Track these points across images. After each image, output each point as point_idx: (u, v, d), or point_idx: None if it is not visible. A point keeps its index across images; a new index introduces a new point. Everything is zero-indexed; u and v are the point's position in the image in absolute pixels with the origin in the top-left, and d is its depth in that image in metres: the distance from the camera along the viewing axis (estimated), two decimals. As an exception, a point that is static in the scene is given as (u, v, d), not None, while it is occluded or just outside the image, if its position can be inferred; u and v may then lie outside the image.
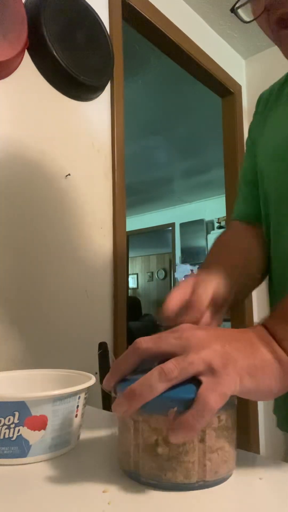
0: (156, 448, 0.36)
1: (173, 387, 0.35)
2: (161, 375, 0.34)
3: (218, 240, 0.71)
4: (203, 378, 0.34)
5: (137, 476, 0.37)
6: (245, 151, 0.78)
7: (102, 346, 1.23)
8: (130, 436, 0.37)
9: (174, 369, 0.34)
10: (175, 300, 0.49)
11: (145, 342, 0.37)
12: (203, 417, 0.33)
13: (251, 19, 0.60)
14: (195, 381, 0.35)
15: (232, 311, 2.12)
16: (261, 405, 2.08)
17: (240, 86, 2.20)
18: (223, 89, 2.12)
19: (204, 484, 0.36)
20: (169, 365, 0.34)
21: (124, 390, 0.35)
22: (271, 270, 0.67)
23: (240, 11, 0.61)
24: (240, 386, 0.35)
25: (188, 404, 0.34)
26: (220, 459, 0.37)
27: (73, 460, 0.44)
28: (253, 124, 0.76)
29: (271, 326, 0.39)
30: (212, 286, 0.52)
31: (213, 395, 0.33)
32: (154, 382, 0.34)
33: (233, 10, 0.61)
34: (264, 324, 0.40)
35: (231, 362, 0.35)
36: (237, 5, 0.61)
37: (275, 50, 0.64)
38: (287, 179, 0.60)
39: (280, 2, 0.55)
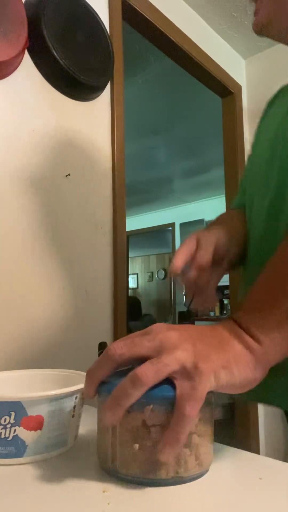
0: (133, 444, 0.36)
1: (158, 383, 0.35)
2: (135, 381, 0.34)
3: (221, 214, 0.78)
4: (177, 382, 0.35)
5: (115, 472, 0.38)
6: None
7: (102, 346, 1.23)
8: (108, 433, 0.38)
9: (147, 372, 0.34)
10: (181, 257, 0.56)
11: (118, 348, 0.37)
12: (184, 428, 0.34)
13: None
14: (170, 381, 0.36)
15: (232, 310, 2.12)
16: (261, 405, 2.08)
17: (240, 86, 2.20)
18: (223, 89, 2.12)
19: (179, 480, 0.37)
20: (143, 369, 0.35)
21: (105, 398, 0.36)
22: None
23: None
24: (216, 381, 0.35)
25: (163, 401, 0.35)
26: (195, 455, 0.37)
27: (71, 460, 0.44)
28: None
29: (238, 318, 0.40)
30: (214, 240, 0.59)
31: (189, 403, 0.34)
32: (130, 389, 0.35)
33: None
34: (232, 317, 0.41)
35: (203, 360, 0.35)
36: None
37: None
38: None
39: None
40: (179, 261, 0.56)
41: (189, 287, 0.60)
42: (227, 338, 0.39)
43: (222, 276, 0.63)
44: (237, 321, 0.40)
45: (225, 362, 0.36)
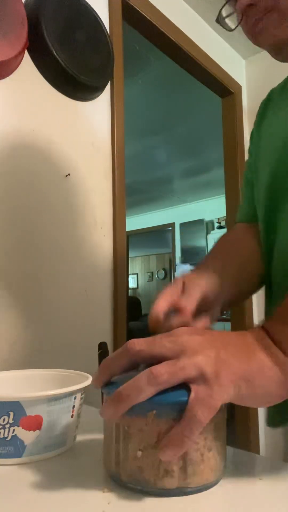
0: (137, 451, 0.35)
1: (163, 391, 0.34)
2: (150, 378, 0.33)
3: (219, 240, 0.71)
4: (193, 386, 0.34)
5: (118, 477, 0.37)
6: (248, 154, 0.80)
7: (102, 346, 1.23)
8: (112, 437, 0.37)
9: (164, 373, 0.33)
10: (163, 302, 0.49)
11: (138, 344, 0.36)
12: (192, 433, 0.33)
13: (235, 26, 0.63)
14: (186, 387, 0.34)
15: (233, 311, 2.12)
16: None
17: (240, 86, 2.20)
18: (223, 89, 2.12)
19: (185, 491, 0.35)
20: (159, 368, 0.33)
21: (111, 393, 0.35)
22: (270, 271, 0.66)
23: (227, 19, 0.65)
24: (235, 394, 0.34)
25: (169, 408, 0.34)
26: (203, 466, 0.35)
27: (71, 460, 0.44)
28: (254, 129, 0.77)
29: (270, 327, 0.38)
30: (201, 286, 0.52)
31: (202, 409, 0.33)
32: (143, 385, 0.33)
33: (218, 20, 0.64)
34: (263, 327, 0.39)
35: (224, 369, 0.34)
36: (223, 15, 0.64)
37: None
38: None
39: (252, 7, 0.58)
40: (161, 307, 0.48)
41: None
42: (253, 348, 0.36)
43: (212, 322, 0.54)
44: (269, 331, 0.38)
45: (248, 373, 0.34)
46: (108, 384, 0.38)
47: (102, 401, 0.42)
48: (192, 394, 0.33)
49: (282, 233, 0.60)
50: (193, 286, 0.51)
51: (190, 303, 0.49)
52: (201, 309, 0.51)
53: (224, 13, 0.64)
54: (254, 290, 0.67)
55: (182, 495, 0.35)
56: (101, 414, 0.36)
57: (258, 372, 0.35)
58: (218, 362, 0.34)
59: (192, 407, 0.33)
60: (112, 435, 0.37)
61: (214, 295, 0.53)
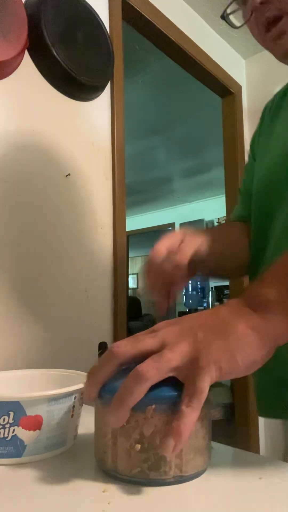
0: (135, 445, 0.36)
1: (162, 385, 0.35)
2: (137, 377, 0.34)
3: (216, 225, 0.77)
4: (182, 378, 0.35)
5: (116, 473, 0.37)
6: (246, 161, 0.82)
7: (102, 346, 1.23)
8: (108, 435, 0.38)
9: (149, 369, 0.34)
10: (164, 244, 0.57)
11: (122, 346, 0.37)
12: (185, 424, 0.34)
13: (242, 24, 0.62)
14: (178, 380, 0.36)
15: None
16: (261, 406, 2.08)
17: (240, 86, 2.20)
18: (223, 89, 2.12)
19: (180, 479, 0.37)
20: (144, 366, 0.34)
21: (107, 400, 0.36)
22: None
23: (231, 16, 0.64)
24: (218, 372, 0.35)
25: (165, 401, 0.35)
26: (196, 454, 0.37)
27: (70, 460, 0.44)
28: (255, 133, 0.79)
29: (250, 293, 0.40)
30: (197, 241, 0.60)
31: (190, 400, 0.34)
32: (132, 387, 0.34)
33: (224, 16, 0.63)
34: (244, 294, 0.40)
35: (204, 352, 0.35)
36: (228, 12, 0.63)
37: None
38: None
39: (265, 6, 0.57)
40: (160, 249, 0.57)
41: (156, 280, 0.61)
42: (228, 319, 0.37)
43: (186, 281, 0.62)
44: (248, 295, 0.39)
45: (226, 348, 0.35)
46: (101, 390, 0.38)
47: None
48: (184, 386, 0.35)
49: (273, 241, 0.63)
50: (190, 242, 0.59)
51: (186, 251, 0.57)
52: (190, 263, 0.58)
53: (229, 10, 0.63)
54: (234, 275, 0.75)
55: (178, 484, 0.37)
56: (111, 424, 0.37)
57: (237, 342, 0.36)
58: (196, 347, 0.35)
59: (183, 398, 0.34)
60: (108, 430, 0.38)
61: (205, 254, 0.60)
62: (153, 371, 0.34)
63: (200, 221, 5.59)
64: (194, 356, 0.35)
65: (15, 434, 0.42)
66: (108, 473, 0.39)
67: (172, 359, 0.35)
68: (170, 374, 0.35)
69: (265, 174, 0.67)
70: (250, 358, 0.36)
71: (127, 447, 0.36)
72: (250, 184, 0.74)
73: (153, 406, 0.35)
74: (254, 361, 0.36)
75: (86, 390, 0.39)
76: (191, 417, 0.34)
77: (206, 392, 0.35)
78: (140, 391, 0.34)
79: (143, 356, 0.36)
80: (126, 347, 0.37)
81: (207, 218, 5.53)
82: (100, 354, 1.10)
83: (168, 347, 0.35)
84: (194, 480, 0.38)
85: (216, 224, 5.37)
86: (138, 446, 0.36)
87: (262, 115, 0.77)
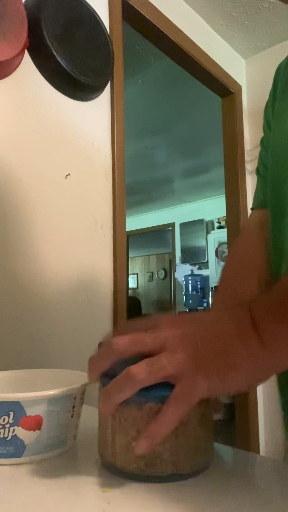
0: (132, 441, 0.37)
1: (160, 384, 0.35)
2: (127, 378, 0.35)
3: (230, 258, 0.69)
4: (174, 383, 0.35)
5: (114, 467, 0.38)
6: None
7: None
8: (108, 429, 0.39)
9: (142, 372, 0.34)
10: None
11: (121, 345, 0.37)
12: (159, 429, 0.34)
13: None
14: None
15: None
16: (261, 405, 2.08)
17: (240, 86, 2.20)
18: (223, 89, 2.12)
19: (178, 476, 0.37)
20: (137, 368, 0.35)
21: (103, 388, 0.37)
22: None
23: None
24: (208, 390, 0.35)
25: (162, 400, 0.36)
26: (194, 453, 0.38)
27: (70, 460, 0.44)
28: (268, 101, 0.71)
29: (258, 316, 0.37)
30: None
31: (178, 405, 0.35)
32: (122, 385, 0.35)
33: None
34: (250, 307, 0.38)
35: (201, 367, 0.35)
36: None
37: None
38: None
39: None
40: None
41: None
42: (232, 340, 0.36)
43: None
44: (254, 316, 0.37)
45: (223, 369, 0.36)
46: (102, 380, 0.39)
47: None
48: (173, 391, 0.35)
49: None
50: None
51: None
52: None
53: None
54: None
55: (177, 480, 0.37)
56: (98, 408, 0.38)
57: (234, 367, 0.36)
58: (195, 360, 0.35)
59: (168, 403, 0.35)
60: (108, 425, 0.39)
61: None
62: (144, 375, 0.34)
63: (200, 221, 5.59)
64: (191, 369, 0.35)
65: (15, 434, 0.42)
66: (108, 466, 0.39)
67: (167, 367, 0.35)
68: (163, 380, 0.35)
69: (283, 141, 0.59)
70: (244, 385, 0.37)
71: (125, 444, 0.37)
72: (267, 156, 0.67)
73: (150, 404, 0.36)
74: (247, 386, 0.37)
75: (88, 375, 0.40)
76: (167, 424, 0.35)
77: (193, 404, 0.35)
78: (129, 392, 0.35)
79: (141, 356, 0.36)
80: (126, 345, 0.37)
81: (207, 218, 5.53)
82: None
83: (165, 353, 0.35)
84: (195, 481, 0.38)
85: (216, 224, 5.37)
86: (134, 443, 0.36)
87: (274, 80, 0.69)
